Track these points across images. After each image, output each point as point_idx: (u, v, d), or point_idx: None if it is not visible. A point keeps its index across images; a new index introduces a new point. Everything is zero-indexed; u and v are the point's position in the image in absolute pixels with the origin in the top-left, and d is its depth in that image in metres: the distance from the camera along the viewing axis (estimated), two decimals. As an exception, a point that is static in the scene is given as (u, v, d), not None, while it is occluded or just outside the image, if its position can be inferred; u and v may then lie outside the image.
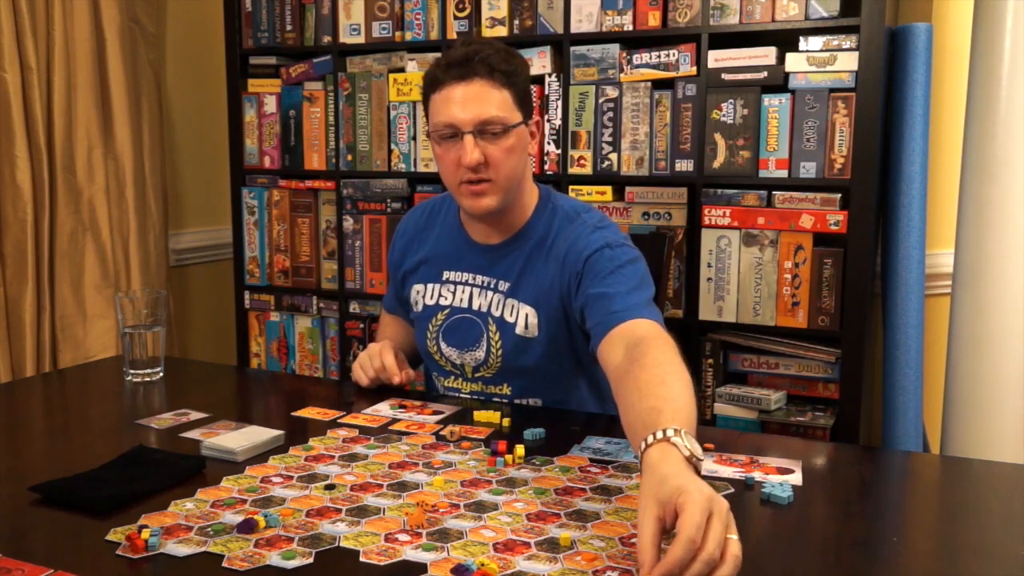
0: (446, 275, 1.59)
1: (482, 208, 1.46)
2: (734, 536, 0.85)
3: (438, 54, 2.46)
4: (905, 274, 2.20)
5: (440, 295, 1.59)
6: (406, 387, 1.56)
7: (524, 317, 1.51)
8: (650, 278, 1.46)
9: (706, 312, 2.24)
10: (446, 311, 1.58)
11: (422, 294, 1.62)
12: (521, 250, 1.53)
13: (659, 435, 0.95)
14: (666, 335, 1.28)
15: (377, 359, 1.55)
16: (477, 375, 1.57)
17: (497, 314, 1.54)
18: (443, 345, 1.58)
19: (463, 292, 1.57)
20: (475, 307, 1.55)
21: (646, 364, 1.15)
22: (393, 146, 2.55)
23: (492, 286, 1.55)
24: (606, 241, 1.47)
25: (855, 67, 2.05)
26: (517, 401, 1.56)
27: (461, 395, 1.59)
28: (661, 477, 0.89)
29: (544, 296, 1.50)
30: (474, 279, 1.57)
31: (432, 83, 1.46)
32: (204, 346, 3.02)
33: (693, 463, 0.94)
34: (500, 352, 1.53)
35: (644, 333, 1.27)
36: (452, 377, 1.60)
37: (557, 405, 1.55)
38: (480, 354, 1.55)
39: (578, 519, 1.02)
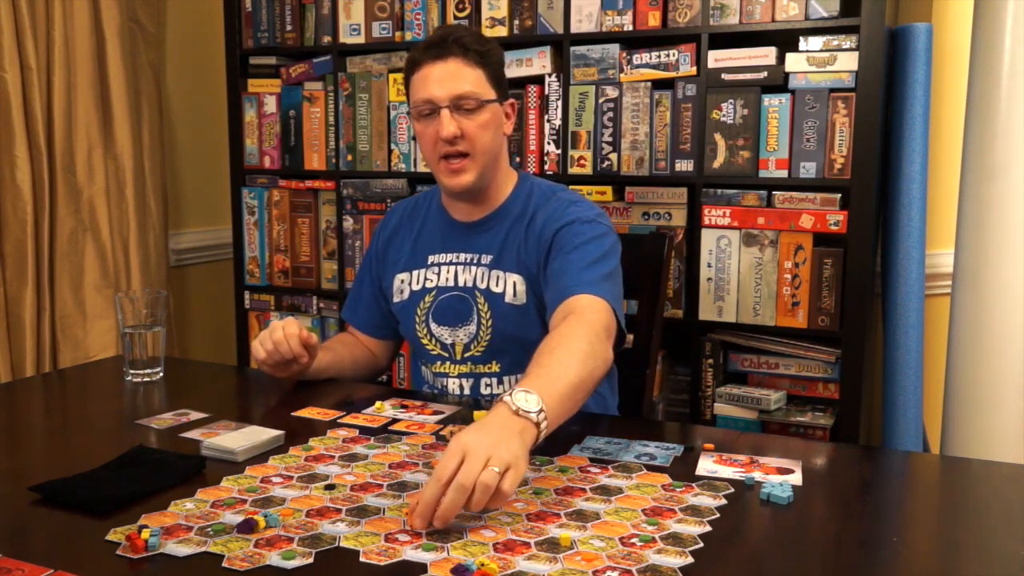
0: (431, 259, 1.63)
1: (460, 184, 1.53)
2: (496, 468, 0.97)
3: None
4: (905, 274, 2.20)
5: (426, 279, 1.62)
6: (304, 364, 1.53)
7: (512, 285, 1.56)
8: (615, 253, 1.52)
9: (706, 312, 2.24)
10: (432, 293, 1.61)
11: (407, 282, 1.64)
12: (502, 224, 1.59)
13: (505, 395, 1.10)
14: (596, 308, 1.38)
15: (278, 331, 1.48)
16: (467, 355, 1.58)
17: (483, 286, 1.57)
18: (433, 326, 1.60)
19: (448, 272, 1.61)
20: (461, 283, 1.59)
21: (553, 334, 1.31)
22: (393, 146, 2.55)
23: (475, 261, 1.59)
24: (577, 216, 1.54)
25: (855, 67, 2.05)
26: (506, 378, 1.57)
27: (450, 378, 1.60)
28: (471, 428, 1.04)
29: (528, 267, 1.56)
30: (458, 257, 1.61)
31: (411, 65, 1.54)
32: (204, 346, 3.02)
33: (521, 415, 1.08)
34: (491, 323, 1.56)
35: (577, 307, 1.38)
36: (439, 362, 1.61)
37: None
38: (472, 328, 1.57)
39: (578, 519, 1.02)
